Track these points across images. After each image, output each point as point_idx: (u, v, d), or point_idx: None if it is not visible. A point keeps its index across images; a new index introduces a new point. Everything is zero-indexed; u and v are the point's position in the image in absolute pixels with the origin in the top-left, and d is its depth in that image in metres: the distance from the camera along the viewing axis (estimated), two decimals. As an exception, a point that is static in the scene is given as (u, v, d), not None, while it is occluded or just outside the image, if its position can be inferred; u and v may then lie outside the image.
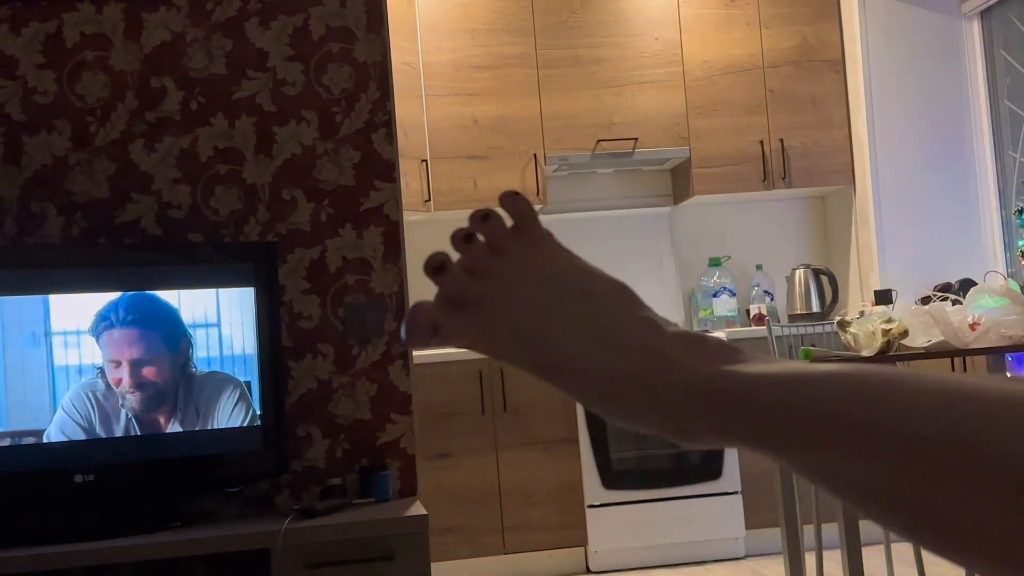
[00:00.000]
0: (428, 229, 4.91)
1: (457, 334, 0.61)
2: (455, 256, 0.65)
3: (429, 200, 4.59)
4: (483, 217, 0.64)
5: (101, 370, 2.52)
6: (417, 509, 2.59)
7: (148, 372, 2.54)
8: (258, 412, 2.64)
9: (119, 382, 2.52)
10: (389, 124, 2.97)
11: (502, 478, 4.29)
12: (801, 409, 0.50)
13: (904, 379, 0.49)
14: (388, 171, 2.96)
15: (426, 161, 4.59)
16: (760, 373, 0.55)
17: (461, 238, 0.64)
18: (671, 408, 0.56)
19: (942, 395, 0.47)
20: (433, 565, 4.20)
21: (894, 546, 4.34)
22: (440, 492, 4.22)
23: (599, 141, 4.70)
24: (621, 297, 0.61)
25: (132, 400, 2.52)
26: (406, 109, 4.51)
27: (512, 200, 0.65)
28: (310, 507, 2.58)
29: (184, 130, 2.86)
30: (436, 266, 0.62)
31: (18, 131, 2.78)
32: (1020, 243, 4.21)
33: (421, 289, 4.95)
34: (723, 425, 0.54)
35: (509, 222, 0.65)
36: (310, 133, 2.92)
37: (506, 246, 0.64)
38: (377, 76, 2.96)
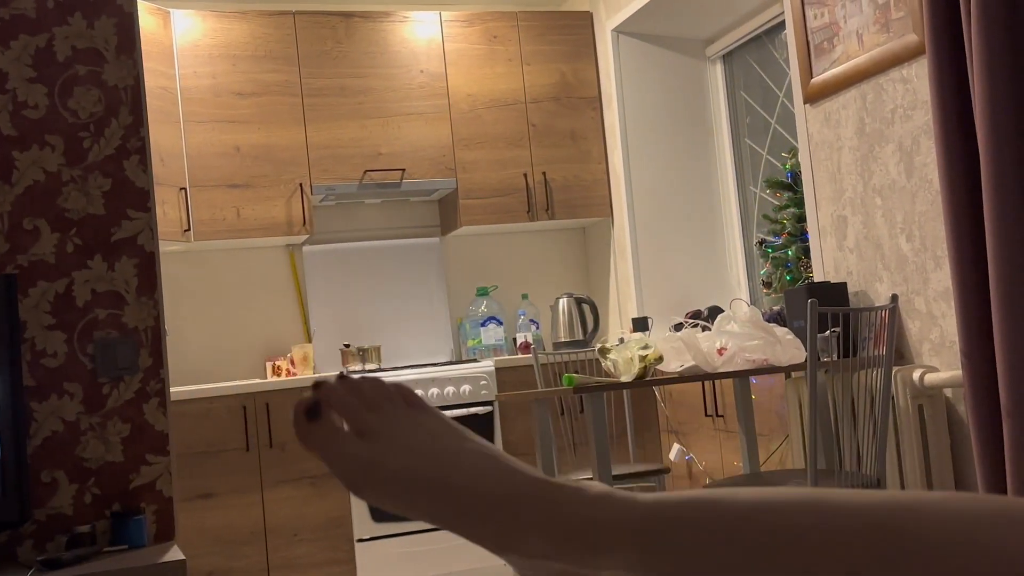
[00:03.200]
0: (187, 259, 4.73)
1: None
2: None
3: (189, 230, 4.42)
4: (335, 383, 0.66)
5: None
6: (175, 554, 2.47)
7: None
8: (-5, 458, 2.44)
9: None
10: (143, 150, 2.84)
11: (268, 516, 4.17)
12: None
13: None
14: (142, 200, 2.82)
15: (185, 189, 4.42)
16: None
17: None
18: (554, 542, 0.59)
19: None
20: (194, 611, 4.03)
21: None
22: (202, 534, 4.05)
23: (366, 171, 4.69)
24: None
25: None
26: (163, 135, 4.34)
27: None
28: (55, 558, 2.41)
29: (-91, 153, 2.63)
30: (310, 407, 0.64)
31: None
32: (762, 272, 4.52)
33: (178, 322, 4.76)
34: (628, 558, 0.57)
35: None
36: (55, 159, 2.75)
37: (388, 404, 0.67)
38: (129, 100, 2.83)
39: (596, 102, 5.06)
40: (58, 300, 2.72)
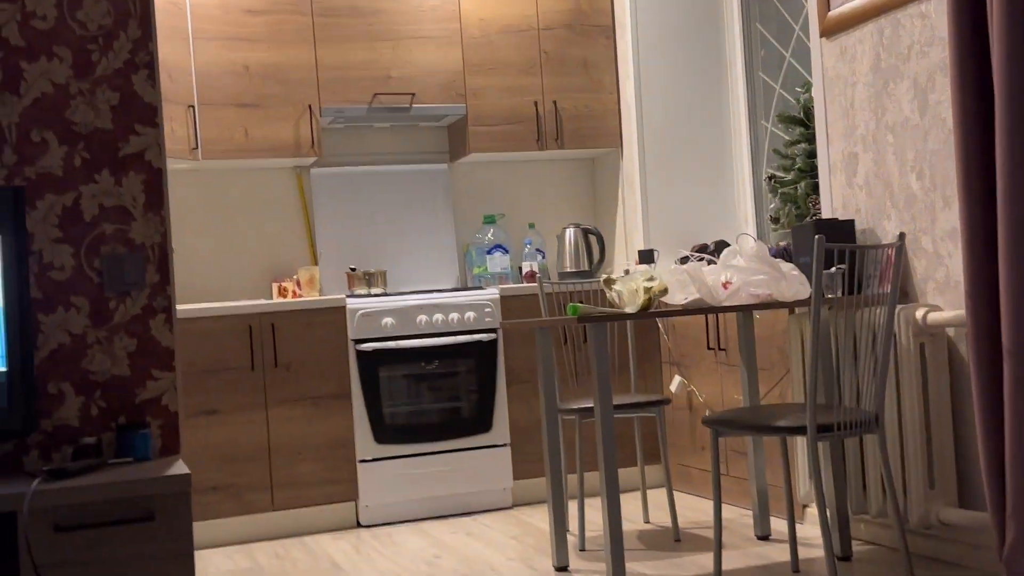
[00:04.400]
0: (195, 178, 4.72)
1: None
2: None
3: (197, 148, 4.41)
4: None
5: None
6: (179, 468, 2.51)
7: None
8: (2, 368, 2.47)
9: None
10: (151, 65, 2.82)
11: (272, 435, 4.22)
12: None
13: None
14: (150, 115, 2.81)
15: (193, 107, 4.40)
16: None
17: None
18: None
19: None
20: (199, 524, 4.10)
21: (650, 492, 4.59)
22: (206, 450, 4.10)
23: (376, 95, 4.65)
24: None
25: None
26: (172, 51, 4.30)
27: None
28: (61, 468, 2.44)
29: (-83, 61, 2.61)
30: None
31: None
32: (770, 208, 4.50)
33: (184, 240, 4.80)
34: None
35: None
36: (63, 71, 2.73)
37: None
38: (138, 13, 2.80)
39: (609, 31, 5.00)
40: (65, 213, 2.73)
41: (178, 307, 2.88)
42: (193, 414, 4.07)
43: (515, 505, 4.55)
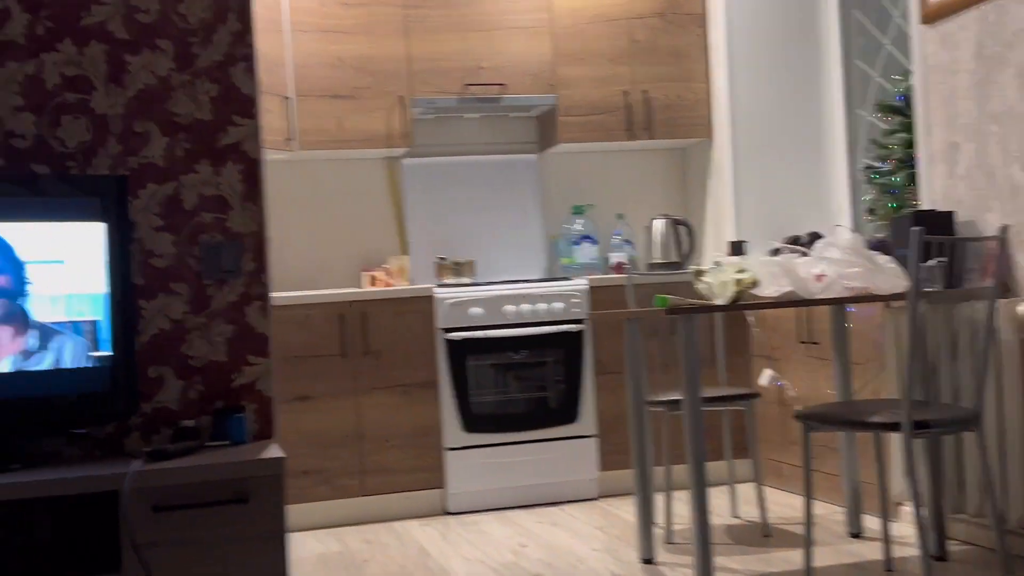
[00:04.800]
0: (290, 169, 4.81)
1: None
2: None
3: (292, 139, 4.49)
4: None
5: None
6: (274, 452, 2.56)
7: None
8: (107, 352, 2.55)
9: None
10: (249, 58, 2.88)
11: (362, 421, 4.28)
12: None
13: None
14: (248, 106, 2.87)
15: (289, 98, 4.48)
16: None
17: None
18: None
19: None
20: (290, 507, 4.19)
21: (739, 487, 4.54)
22: (298, 435, 4.19)
23: (467, 85, 4.68)
24: None
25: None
26: (268, 43, 4.38)
27: None
28: (161, 449, 2.52)
29: (28, 55, 2.71)
30: None
31: None
32: (866, 199, 4.40)
33: (279, 229, 4.89)
34: None
35: None
36: (165, 63, 2.81)
37: None
38: (237, 7, 2.86)
39: (702, 19, 4.93)
40: (167, 202, 2.81)
41: (273, 295, 2.95)
42: (286, 399, 4.16)
43: (601, 496, 4.54)
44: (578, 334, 4.50)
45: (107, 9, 2.77)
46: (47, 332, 2.50)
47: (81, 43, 2.75)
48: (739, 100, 4.80)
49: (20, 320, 2.48)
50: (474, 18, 4.70)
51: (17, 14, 2.70)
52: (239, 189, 2.86)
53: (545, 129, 5.00)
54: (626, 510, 4.26)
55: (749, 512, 4.11)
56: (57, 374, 2.51)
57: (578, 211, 5.03)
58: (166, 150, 2.81)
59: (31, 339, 2.49)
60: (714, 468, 4.66)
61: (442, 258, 4.74)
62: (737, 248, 4.55)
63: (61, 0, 2.73)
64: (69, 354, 2.52)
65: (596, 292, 4.56)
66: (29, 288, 2.49)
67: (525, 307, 4.46)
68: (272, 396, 2.87)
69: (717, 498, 4.33)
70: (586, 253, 4.97)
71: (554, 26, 4.77)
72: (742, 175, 4.80)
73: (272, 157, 4.58)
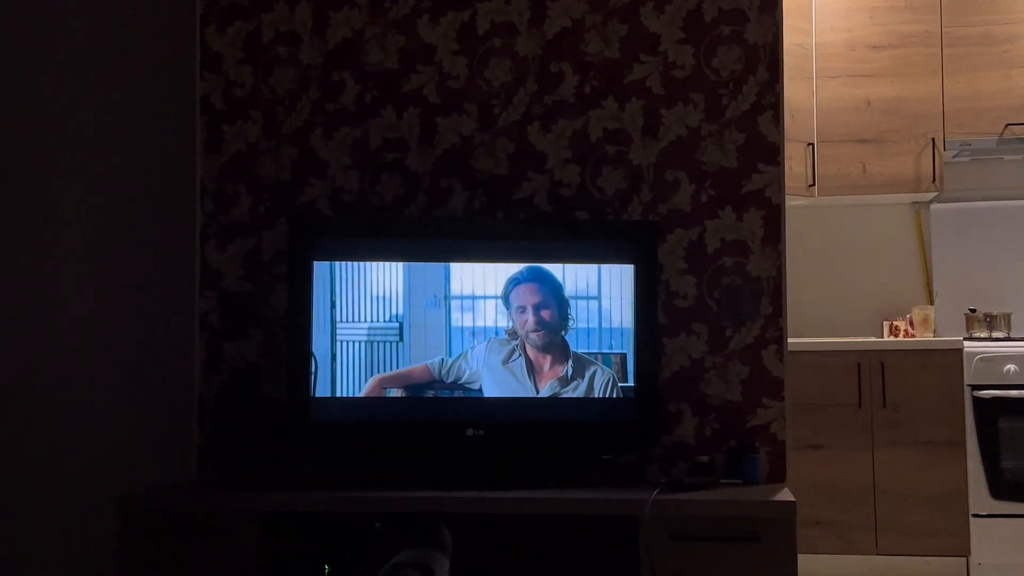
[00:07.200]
0: (810, 214, 4.79)
1: None
2: None
3: (813, 185, 4.47)
4: None
5: (506, 331, 2.74)
6: (786, 495, 2.57)
7: (545, 314, 2.75)
8: (631, 385, 2.73)
9: (524, 323, 2.75)
10: (776, 106, 2.94)
11: (877, 476, 4.12)
12: None
13: None
14: (772, 154, 2.93)
15: (812, 145, 4.47)
16: None
17: None
18: None
19: None
20: (799, 556, 4.13)
21: None
22: (809, 484, 4.12)
23: (1008, 125, 4.34)
24: None
25: (535, 339, 2.74)
26: (794, 91, 4.42)
27: None
28: (678, 480, 2.64)
29: (577, 112, 3.00)
30: None
31: (432, 113, 3.05)
32: None
33: (796, 274, 4.88)
34: None
35: None
36: (696, 115, 2.96)
37: None
38: (767, 57, 2.94)
39: None
40: (691, 247, 2.95)
41: (789, 339, 2.96)
42: (798, 446, 4.12)
43: None
44: None
45: (646, 67, 2.99)
46: (581, 362, 2.74)
47: (622, 100, 2.99)
48: None
49: (560, 350, 2.75)
50: (1019, 54, 4.35)
51: (569, 76, 3.01)
52: (760, 234, 2.93)
53: (1102, 170, 4.48)
54: None
55: None
56: (589, 402, 2.74)
57: None
58: (693, 197, 2.95)
59: (568, 368, 2.74)
60: None
61: (973, 309, 4.42)
62: None
63: (607, 62, 3.00)
64: (600, 384, 2.74)
65: None
66: (570, 323, 2.75)
67: (1071, 368, 4.01)
68: (785, 440, 2.88)
69: None
70: None
71: (1117, 55, 4.27)
72: None
73: (792, 203, 4.60)
